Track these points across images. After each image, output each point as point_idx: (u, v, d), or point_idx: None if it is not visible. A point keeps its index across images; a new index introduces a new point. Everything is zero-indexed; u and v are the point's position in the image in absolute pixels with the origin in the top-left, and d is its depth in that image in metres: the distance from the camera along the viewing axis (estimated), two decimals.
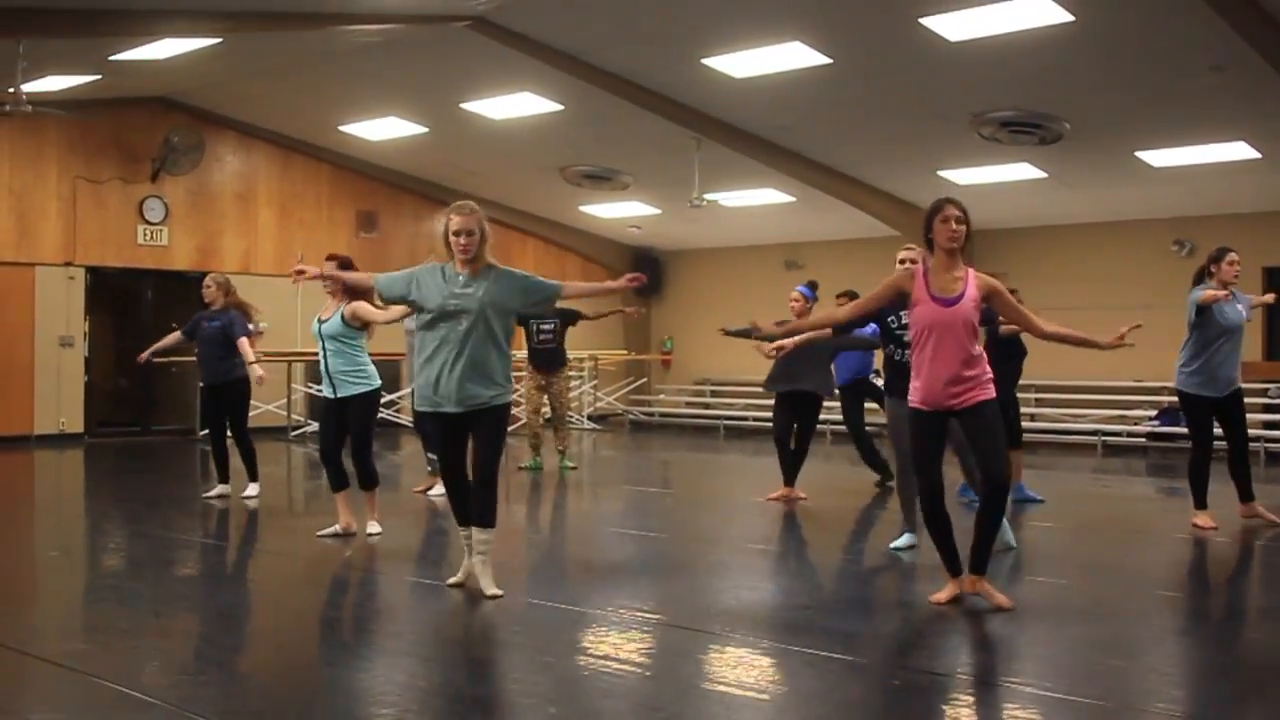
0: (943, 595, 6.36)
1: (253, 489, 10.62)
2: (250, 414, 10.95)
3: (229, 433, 10.72)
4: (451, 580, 6.78)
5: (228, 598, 7.08)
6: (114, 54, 13.49)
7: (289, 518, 10.22)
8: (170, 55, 13.65)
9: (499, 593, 6.46)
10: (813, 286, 10.68)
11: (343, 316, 8.41)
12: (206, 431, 11.30)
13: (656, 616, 6.25)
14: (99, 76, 14.75)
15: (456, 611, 6.35)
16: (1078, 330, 6.61)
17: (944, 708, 4.81)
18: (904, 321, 7.52)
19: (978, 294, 6.19)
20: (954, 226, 6.17)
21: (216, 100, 17.22)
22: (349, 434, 8.61)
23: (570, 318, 12.60)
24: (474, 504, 6.54)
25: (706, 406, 21.29)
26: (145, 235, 17.38)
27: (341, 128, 17.29)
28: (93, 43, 12.93)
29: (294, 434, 17.57)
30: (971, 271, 6.28)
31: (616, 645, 5.63)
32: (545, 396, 12.76)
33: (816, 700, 4.82)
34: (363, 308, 8.32)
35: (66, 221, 16.74)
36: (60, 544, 8.90)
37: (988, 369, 6.28)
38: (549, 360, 12.61)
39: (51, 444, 16.22)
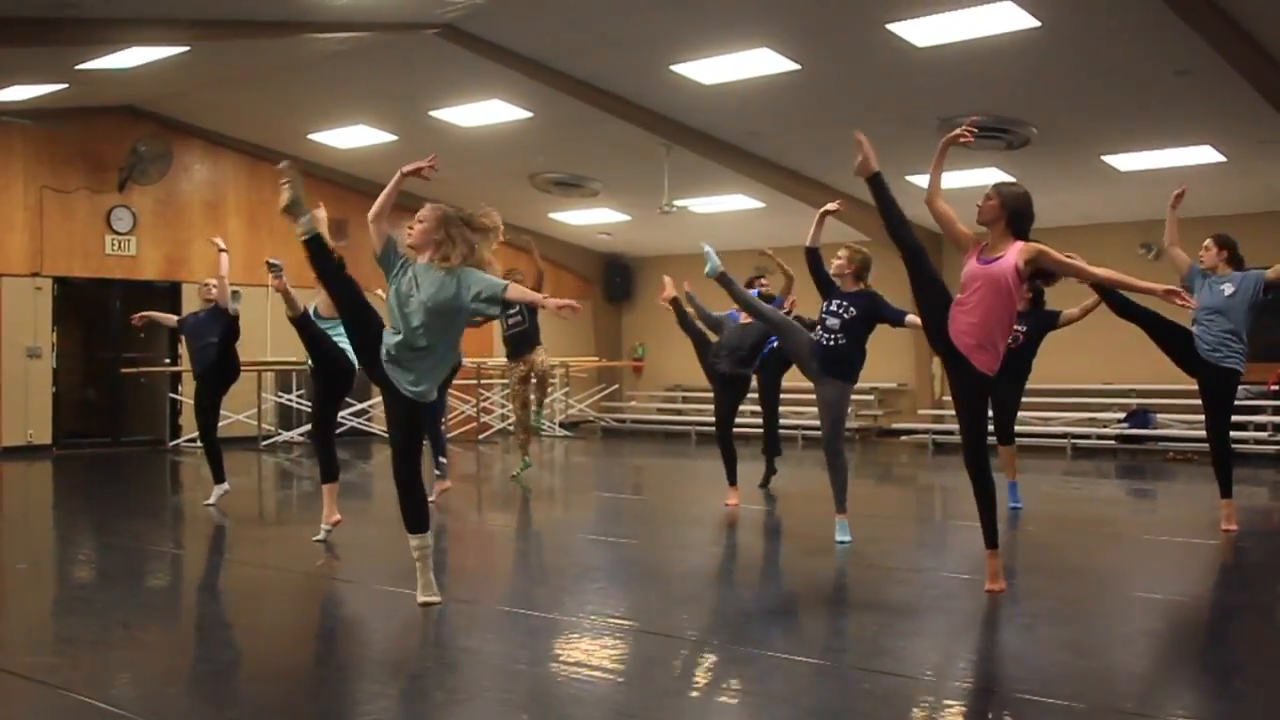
0: (998, 584, 6.59)
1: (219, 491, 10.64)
2: (220, 422, 10.93)
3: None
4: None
5: (198, 609, 7.04)
6: (80, 63, 13.42)
7: (259, 527, 10.17)
8: (137, 64, 13.57)
9: (432, 599, 6.44)
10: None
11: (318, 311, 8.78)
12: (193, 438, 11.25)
13: (628, 622, 6.25)
14: (65, 86, 14.66)
15: (427, 619, 6.33)
16: (1127, 279, 6.68)
17: (915, 711, 4.82)
18: (831, 307, 8.35)
19: (1016, 259, 6.39)
20: (979, 205, 6.54)
21: (184, 109, 17.14)
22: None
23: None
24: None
25: (678, 413, 21.29)
26: (113, 245, 17.27)
27: (310, 136, 17.23)
28: (58, 51, 12.83)
29: (264, 444, 17.48)
30: (1020, 244, 6.46)
31: (588, 651, 5.63)
32: (529, 388, 12.33)
33: (787, 704, 4.82)
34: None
35: (33, 231, 16.62)
36: (28, 556, 8.82)
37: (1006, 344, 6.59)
38: (522, 343, 12.15)
39: (19, 456, 16.08)
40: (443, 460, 10.86)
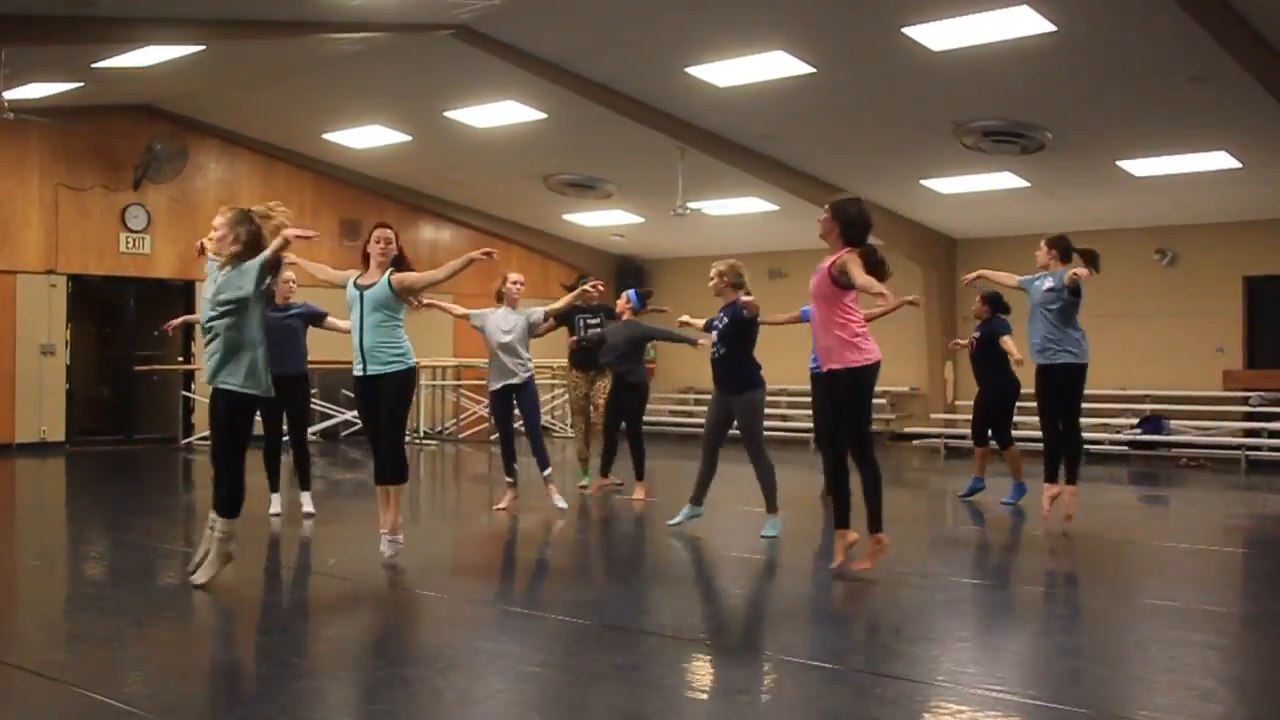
0: (853, 563, 7.21)
1: (306, 500, 9.95)
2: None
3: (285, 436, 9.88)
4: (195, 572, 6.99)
5: (210, 607, 7.05)
6: (96, 61, 13.46)
7: (270, 526, 10.16)
8: (153, 63, 13.62)
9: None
10: (643, 296, 11.69)
11: (390, 284, 7.65)
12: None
13: (639, 625, 6.25)
14: (82, 84, 14.71)
15: (440, 619, 6.34)
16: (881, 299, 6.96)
17: (926, 716, 4.81)
18: (712, 322, 9.02)
19: (828, 265, 7.00)
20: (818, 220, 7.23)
21: (199, 108, 17.19)
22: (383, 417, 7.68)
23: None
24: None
25: (690, 415, 21.27)
26: (127, 243, 17.32)
27: (325, 136, 17.27)
28: (75, 50, 12.89)
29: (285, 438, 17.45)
30: (841, 252, 6.99)
31: (600, 654, 5.63)
32: (590, 407, 12.08)
33: (800, 709, 4.82)
34: (411, 276, 7.70)
35: (48, 229, 16.68)
36: (41, 553, 8.85)
37: (857, 336, 6.99)
38: (591, 359, 11.73)
39: (33, 452, 16.14)
40: (548, 473, 10.53)
